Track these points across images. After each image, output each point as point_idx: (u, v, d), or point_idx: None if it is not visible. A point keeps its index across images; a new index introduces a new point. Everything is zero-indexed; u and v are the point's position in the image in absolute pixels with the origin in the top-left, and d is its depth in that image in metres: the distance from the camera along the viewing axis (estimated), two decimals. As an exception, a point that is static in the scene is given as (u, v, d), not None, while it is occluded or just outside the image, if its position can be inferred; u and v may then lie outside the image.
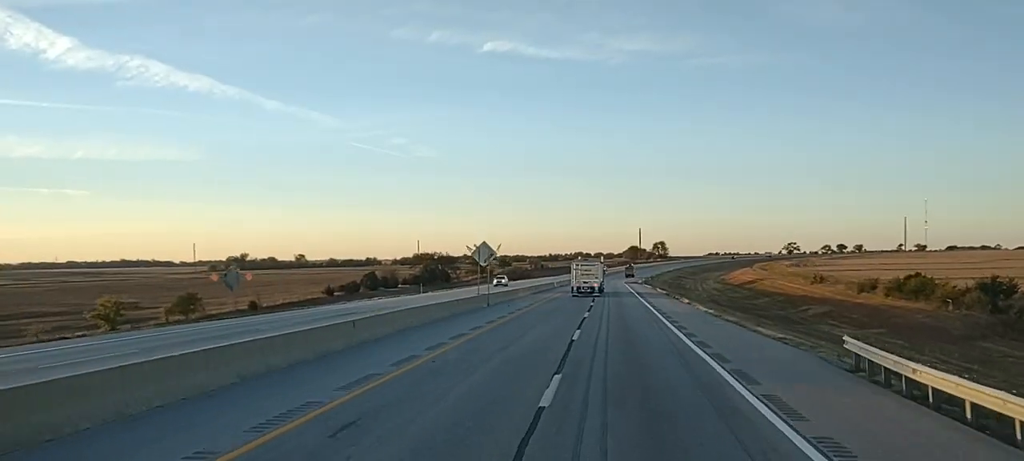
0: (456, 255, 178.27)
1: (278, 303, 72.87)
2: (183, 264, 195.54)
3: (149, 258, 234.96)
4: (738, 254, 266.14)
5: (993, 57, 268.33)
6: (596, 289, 53.99)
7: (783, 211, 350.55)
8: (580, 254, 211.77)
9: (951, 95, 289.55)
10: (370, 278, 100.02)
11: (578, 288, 54.53)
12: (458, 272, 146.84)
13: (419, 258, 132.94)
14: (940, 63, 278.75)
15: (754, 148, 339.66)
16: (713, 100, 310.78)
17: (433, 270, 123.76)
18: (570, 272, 58.05)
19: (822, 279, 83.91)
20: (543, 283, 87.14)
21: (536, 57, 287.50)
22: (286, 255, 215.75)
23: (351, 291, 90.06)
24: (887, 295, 62.64)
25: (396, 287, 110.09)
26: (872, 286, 68.21)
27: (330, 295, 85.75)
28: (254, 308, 67.35)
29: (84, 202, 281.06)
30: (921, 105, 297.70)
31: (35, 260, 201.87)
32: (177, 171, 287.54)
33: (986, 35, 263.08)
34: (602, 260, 73.39)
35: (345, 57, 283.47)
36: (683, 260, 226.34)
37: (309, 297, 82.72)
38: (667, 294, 63.52)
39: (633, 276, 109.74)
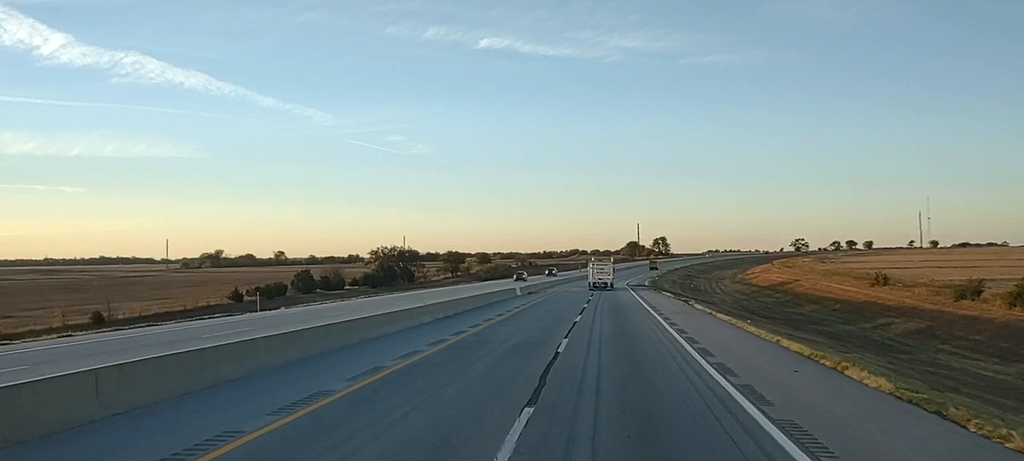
0: (439, 252, 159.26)
1: (148, 314, 52.53)
2: (164, 260, 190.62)
3: (130, 255, 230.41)
4: (742, 251, 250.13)
5: (994, 57, 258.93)
6: (609, 284, 62.41)
7: (785, 208, 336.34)
8: (585, 253, 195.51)
9: (955, 93, 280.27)
10: (303, 279, 79.39)
11: (594, 283, 63.36)
12: (424, 271, 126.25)
13: (375, 255, 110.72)
14: (943, 62, 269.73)
15: (755, 145, 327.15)
16: (713, 98, 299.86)
17: (391, 269, 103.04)
18: (586, 267, 75.64)
19: (886, 280, 64.02)
20: (473, 295, 42.43)
21: (532, 54, 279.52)
22: (267, 252, 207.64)
23: (273, 295, 69.41)
24: (1012, 305, 43.00)
25: (342, 288, 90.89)
26: (976, 290, 48.52)
27: (239, 301, 65.63)
28: (99, 323, 47.25)
29: (82, 199, 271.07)
30: (924, 104, 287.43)
31: (37, 257, 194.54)
32: (173, 168, 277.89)
33: (988, 34, 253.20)
34: (611, 259, 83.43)
35: (341, 54, 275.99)
36: (685, 257, 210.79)
37: (209, 304, 62.59)
38: (698, 306, 43.51)
39: (656, 269, 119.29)
